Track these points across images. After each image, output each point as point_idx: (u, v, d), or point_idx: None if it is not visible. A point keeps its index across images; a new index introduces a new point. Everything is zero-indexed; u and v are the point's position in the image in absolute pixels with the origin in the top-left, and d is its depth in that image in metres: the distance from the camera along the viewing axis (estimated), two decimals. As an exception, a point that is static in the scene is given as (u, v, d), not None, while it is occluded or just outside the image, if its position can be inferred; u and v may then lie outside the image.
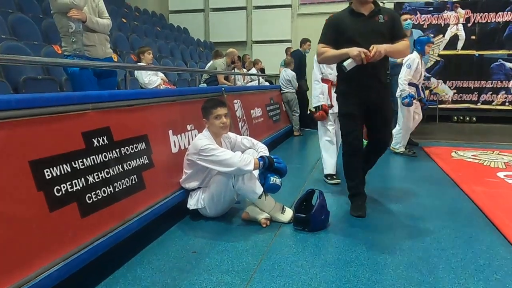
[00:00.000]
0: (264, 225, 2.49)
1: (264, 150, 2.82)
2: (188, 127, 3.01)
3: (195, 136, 3.07)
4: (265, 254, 2.12)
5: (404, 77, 4.66)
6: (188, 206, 2.67)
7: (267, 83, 8.07)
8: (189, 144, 2.95)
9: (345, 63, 2.44)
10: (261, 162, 2.53)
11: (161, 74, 5.11)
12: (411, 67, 4.67)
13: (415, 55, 4.73)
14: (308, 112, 7.71)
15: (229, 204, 2.70)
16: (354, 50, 2.39)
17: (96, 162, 1.94)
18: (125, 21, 7.46)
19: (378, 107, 2.69)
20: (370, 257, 2.10)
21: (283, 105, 6.75)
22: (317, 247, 2.23)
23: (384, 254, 2.13)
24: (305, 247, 2.22)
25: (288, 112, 6.78)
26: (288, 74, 6.61)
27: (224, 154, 2.49)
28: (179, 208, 2.67)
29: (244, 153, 2.66)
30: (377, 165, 3.04)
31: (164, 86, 4.95)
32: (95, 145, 1.97)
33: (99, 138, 2.00)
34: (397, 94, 4.82)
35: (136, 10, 9.74)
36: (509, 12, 7.86)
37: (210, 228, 2.54)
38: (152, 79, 4.86)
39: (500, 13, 7.90)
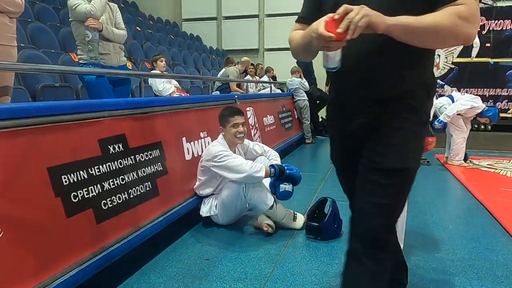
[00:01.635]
0: (265, 229, 2.48)
1: (275, 157, 2.83)
2: (201, 135, 3.04)
3: (208, 143, 3.10)
4: (278, 262, 2.11)
5: (449, 114, 4.53)
6: (200, 213, 2.68)
7: (279, 91, 8.09)
8: (202, 151, 2.97)
9: (323, 61, 1.12)
10: (272, 170, 2.53)
11: (174, 82, 5.17)
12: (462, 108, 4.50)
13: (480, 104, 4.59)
14: (320, 119, 7.70)
15: (241, 212, 2.70)
16: (313, 28, 1.07)
17: (111, 169, 1.97)
18: (139, 29, 7.58)
19: (366, 153, 1.22)
20: (384, 267, 2.07)
21: (295, 112, 6.76)
22: (330, 255, 2.21)
23: (398, 264, 2.10)
24: (318, 256, 2.21)
25: (301, 120, 6.77)
26: (294, 82, 6.62)
27: (236, 160, 2.50)
28: (192, 215, 2.68)
29: (256, 161, 2.67)
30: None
31: (177, 93, 5.01)
32: (111, 152, 2.00)
33: (115, 145, 2.03)
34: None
35: (150, 18, 9.89)
36: (525, 19, 7.77)
37: (222, 235, 2.54)
38: (166, 86, 4.92)
39: (515, 20, 7.82)
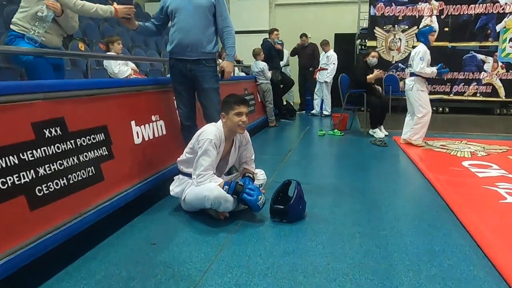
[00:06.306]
0: (222, 217, 2.47)
1: (252, 175, 2.71)
2: (153, 118, 2.96)
3: (160, 126, 3.04)
4: (225, 245, 2.11)
5: (420, 68, 4.63)
6: (170, 190, 2.63)
7: (243, 74, 8.01)
8: (153, 135, 2.91)
9: None
10: (226, 187, 2.38)
11: (131, 64, 4.99)
12: (424, 59, 4.63)
13: (423, 47, 4.69)
14: (285, 103, 7.72)
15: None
16: None
17: (47, 154, 1.88)
18: (96, 9, 7.24)
19: None
20: (329, 245, 2.12)
21: (258, 96, 6.73)
22: (277, 236, 2.23)
23: (344, 243, 2.15)
24: (266, 237, 2.22)
25: (264, 103, 6.75)
26: (258, 65, 6.56)
27: (209, 161, 2.39)
28: (143, 199, 2.63)
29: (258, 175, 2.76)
30: (347, 153, 3.01)
31: (134, 76, 4.85)
32: (46, 136, 1.90)
33: (51, 129, 1.94)
34: (408, 87, 4.85)
35: (109, -2, 9.49)
36: (481, 5, 8.01)
37: (173, 219, 2.51)
38: (122, 69, 4.74)
39: (472, 5, 8.04)
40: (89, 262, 1.93)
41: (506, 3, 7.91)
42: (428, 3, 8.22)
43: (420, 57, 4.64)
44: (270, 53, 6.93)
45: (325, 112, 8.06)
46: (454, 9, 8.15)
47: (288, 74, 8.82)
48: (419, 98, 4.76)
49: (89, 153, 2.18)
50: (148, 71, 5.72)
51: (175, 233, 2.30)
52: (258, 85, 6.68)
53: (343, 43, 9.85)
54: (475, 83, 8.29)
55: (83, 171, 2.10)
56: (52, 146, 1.92)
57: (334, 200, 2.88)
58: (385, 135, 5.58)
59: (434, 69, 4.73)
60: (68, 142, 2.04)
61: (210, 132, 2.46)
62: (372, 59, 5.82)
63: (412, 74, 4.85)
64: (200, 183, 2.40)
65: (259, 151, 4.19)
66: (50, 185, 1.86)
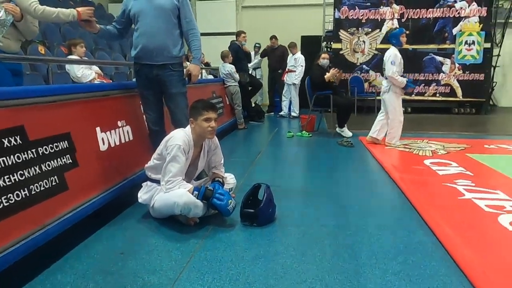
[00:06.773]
0: (192, 222, 2.45)
1: (222, 179, 2.68)
2: (119, 123, 2.90)
3: (127, 132, 2.98)
4: (196, 252, 2.10)
5: (392, 73, 4.71)
6: (138, 197, 2.58)
7: (211, 76, 7.99)
8: (120, 141, 2.85)
9: None
10: (195, 192, 2.36)
11: (95, 68, 4.87)
12: (395, 63, 4.72)
13: (394, 50, 4.80)
14: (253, 105, 7.76)
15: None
16: None
17: (6, 164, 1.80)
18: (57, 10, 7.00)
19: None
20: (299, 247, 2.15)
21: (226, 98, 6.72)
22: (248, 241, 2.24)
23: (313, 244, 2.19)
24: (237, 242, 2.23)
25: (233, 106, 6.76)
26: (226, 68, 6.57)
27: (178, 167, 2.37)
28: (110, 207, 2.57)
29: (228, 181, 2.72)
30: (315, 155, 3.06)
31: (98, 80, 4.73)
32: (5, 146, 1.82)
33: (10, 138, 1.86)
34: (384, 89, 4.95)
35: (71, -1, 9.18)
36: (438, 9, 8.39)
37: (142, 227, 2.47)
38: (85, 73, 4.62)
39: (430, 9, 8.41)
40: (54, 274, 1.86)
41: (461, 8, 8.33)
42: (390, 7, 8.52)
43: (391, 61, 4.75)
44: (238, 55, 6.93)
45: (293, 114, 8.16)
46: (413, 12, 8.49)
47: (259, 76, 8.89)
48: (393, 101, 4.90)
49: (51, 162, 2.11)
50: (113, 74, 5.59)
51: (144, 241, 2.26)
52: (226, 88, 6.68)
53: (310, 45, 10.02)
54: (435, 84, 8.67)
55: (46, 180, 2.03)
56: (12, 156, 1.84)
57: (303, 202, 2.93)
58: (351, 135, 5.73)
59: (404, 80, 4.86)
60: (29, 151, 1.96)
61: (179, 138, 2.44)
62: (323, 60, 6.01)
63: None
64: (169, 190, 2.37)
65: (228, 154, 4.19)
66: (10, 197, 1.78)
